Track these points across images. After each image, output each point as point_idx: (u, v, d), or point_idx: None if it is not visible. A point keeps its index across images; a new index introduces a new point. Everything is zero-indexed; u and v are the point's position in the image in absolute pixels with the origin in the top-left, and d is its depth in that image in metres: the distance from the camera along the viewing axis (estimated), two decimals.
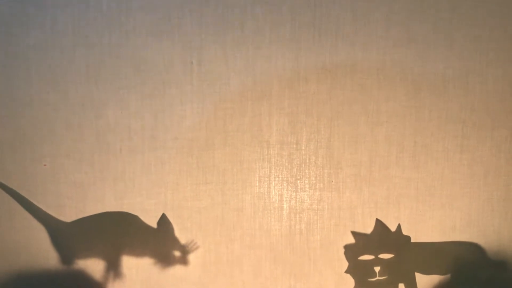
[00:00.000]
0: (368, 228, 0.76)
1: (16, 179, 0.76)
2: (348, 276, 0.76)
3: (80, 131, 0.75)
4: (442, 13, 0.72)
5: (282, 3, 0.72)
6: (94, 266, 0.77)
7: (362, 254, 0.76)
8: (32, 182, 0.76)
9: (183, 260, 0.77)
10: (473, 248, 0.75)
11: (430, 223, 0.75)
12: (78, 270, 0.77)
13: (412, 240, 0.75)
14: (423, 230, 0.75)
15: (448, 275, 0.76)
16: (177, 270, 0.77)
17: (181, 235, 0.76)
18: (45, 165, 0.75)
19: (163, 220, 0.76)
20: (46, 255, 0.77)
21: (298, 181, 0.76)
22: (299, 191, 0.76)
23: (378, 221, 0.75)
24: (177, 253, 0.77)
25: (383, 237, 0.75)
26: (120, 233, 0.77)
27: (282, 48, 0.73)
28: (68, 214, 0.76)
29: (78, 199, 0.76)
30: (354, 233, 0.75)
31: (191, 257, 0.77)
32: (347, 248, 0.76)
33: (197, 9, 0.73)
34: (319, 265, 0.76)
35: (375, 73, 0.73)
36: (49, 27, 0.73)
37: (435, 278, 0.76)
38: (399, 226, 0.75)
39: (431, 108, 0.74)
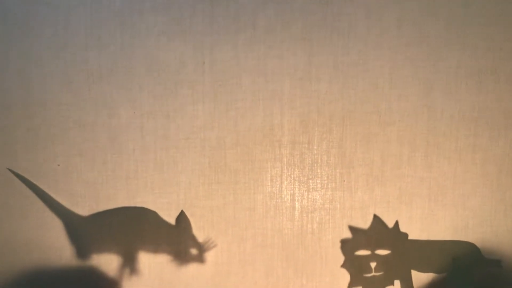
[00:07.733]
0: None
1: (30, 179, 0.76)
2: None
3: (93, 130, 0.75)
4: (454, 12, 0.71)
5: (293, 2, 0.72)
6: (107, 263, 0.78)
7: (359, 249, 0.76)
8: (45, 181, 0.76)
9: (200, 258, 0.77)
10: (470, 248, 0.75)
11: (442, 222, 0.75)
12: (90, 267, 0.77)
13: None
14: (436, 229, 0.75)
15: (444, 274, 0.75)
16: (189, 268, 0.78)
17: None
18: (58, 165, 0.76)
19: (181, 217, 0.76)
20: (58, 253, 0.78)
21: (310, 181, 0.76)
22: (311, 190, 0.76)
23: (376, 217, 0.75)
24: (194, 251, 0.77)
25: (380, 233, 0.75)
26: (137, 229, 0.77)
27: (293, 47, 0.73)
28: (81, 213, 0.77)
29: (91, 198, 0.77)
30: (352, 228, 0.75)
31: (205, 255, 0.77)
32: (344, 242, 0.76)
33: (208, 9, 0.73)
34: (331, 265, 0.77)
35: (387, 72, 0.73)
36: (62, 28, 0.74)
37: (431, 276, 0.76)
38: (396, 223, 0.75)
39: (443, 107, 0.73)
